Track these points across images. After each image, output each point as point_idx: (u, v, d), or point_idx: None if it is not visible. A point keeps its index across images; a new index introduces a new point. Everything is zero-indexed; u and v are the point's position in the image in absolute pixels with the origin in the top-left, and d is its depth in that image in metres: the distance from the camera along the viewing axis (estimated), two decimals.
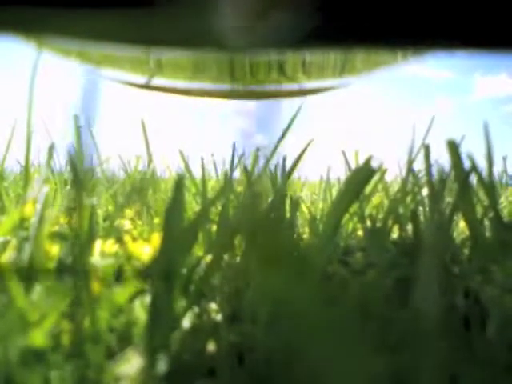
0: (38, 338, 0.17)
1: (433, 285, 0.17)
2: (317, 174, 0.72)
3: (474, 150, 0.33)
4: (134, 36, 0.23)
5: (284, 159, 0.40)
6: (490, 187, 0.32)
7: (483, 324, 0.21)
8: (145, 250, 0.29)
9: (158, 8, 0.20)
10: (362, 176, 0.31)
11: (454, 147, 0.29)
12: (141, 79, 0.36)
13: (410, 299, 0.17)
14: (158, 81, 0.37)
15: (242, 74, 0.34)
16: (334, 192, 0.54)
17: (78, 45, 0.25)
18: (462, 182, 0.30)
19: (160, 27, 0.22)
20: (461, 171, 0.29)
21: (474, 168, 0.30)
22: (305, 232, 0.42)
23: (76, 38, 0.24)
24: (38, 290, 0.20)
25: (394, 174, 0.63)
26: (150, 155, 0.45)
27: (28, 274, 0.21)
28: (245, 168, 0.39)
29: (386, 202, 0.45)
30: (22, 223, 0.33)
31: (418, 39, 0.22)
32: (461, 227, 0.41)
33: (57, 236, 0.27)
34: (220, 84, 0.37)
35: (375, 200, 0.46)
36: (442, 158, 0.34)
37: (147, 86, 0.37)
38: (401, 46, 0.24)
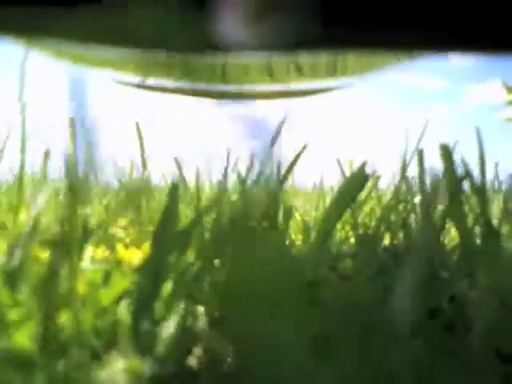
0: (22, 338, 0.17)
1: (412, 287, 0.17)
2: (310, 181, 0.72)
3: (467, 156, 0.33)
4: (126, 37, 0.23)
5: (278, 166, 0.40)
6: (482, 194, 0.32)
7: (467, 328, 0.21)
8: (136, 257, 0.29)
9: (151, 9, 0.21)
10: (356, 183, 0.31)
11: (446, 151, 0.29)
12: (133, 79, 0.37)
13: (389, 300, 0.17)
14: (150, 81, 0.37)
15: (235, 76, 0.34)
16: (328, 201, 0.54)
17: (69, 46, 0.26)
18: (453, 188, 0.30)
19: (152, 28, 0.22)
20: (453, 176, 0.29)
21: (467, 174, 0.30)
22: (298, 239, 0.43)
23: (67, 39, 0.24)
24: (24, 291, 0.20)
25: (387, 180, 0.63)
26: (144, 161, 0.45)
27: (15, 277, 0.21)
28: (238, 175, 0.39)
29: (378, 210, 0.45)
30: (15, 231, 0.33)
31: (412, 42, 0.22)
32: (453, 234, 0.42)
33: (48, 242, 0.27)
34: (212, 85, 0.37)
35: (367, 207, 0.46)
36: (435, 165, 0.34)
37: (140, 86, 0.38)
38: (395, 49, 0.24)
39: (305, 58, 0.32)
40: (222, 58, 0.31)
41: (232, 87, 0.35)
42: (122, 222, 0.43)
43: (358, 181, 0.31)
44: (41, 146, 0.41)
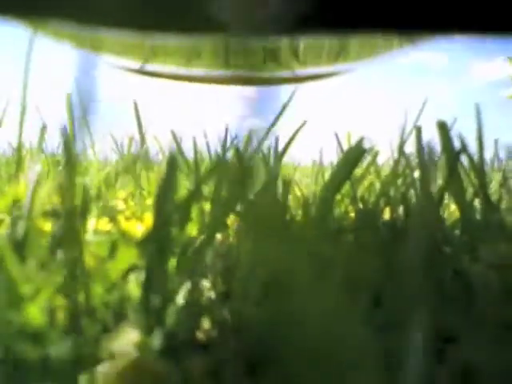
0: (34, 313, 0.17)
1: (414, 261, 0.17)
2: (310, 158, 0.72)
3: (469, 133, 0.33)
4: (130, 20, 0.23)
5: (277, 141, 0.40)
6: (480, 169, 0.32)
7: (470, 302, 0.21)
8: (138, 228, 0.29)
9: None
10: (354, 157, 0.31)
11: (444, 128, 0.29)
12: (136, 64, 0.36)
13: (397, 265, 0.17)
14: (152, 66, 0.37)
15: (238, 60, 0.34)
16: (327, 175, 0.55)
17: (72, 28, 0.25)
18: (451, 163, 0.30)
19: (156, 11, 0.22)
20: (450, 152, 0.29)
21: (464, 149, 0.31)
22: (298, 214, 0.43)
23: (71, 21, 0.23)
24: (32, 264, 0.20)
25: (386, 157, 0.63)
26: (142, 136, 0.45)
27: (22, 249, 0.21)
28: (237, 149, 0.39)
29: (377, 184, 0.46)
30: (15, 203, 0.33)
31: (416, 25, 0.22)
32: (452, 208, 0.42)
33: (50, 214, 0.27)
34: (215, 70, 0.37)
35: (366, 182, 0.46)
36: (434, 140, 0.34)
37: (142, 71, 0.37)
38: (398, 32, 0.24)
39: (306, 43, 0.32)
40: (226, 41, 0.31)
41: (235, 73, 0.35)
42: (122, 194, 0.43)
43: (355, 155, 0.31)
44: (39, 121, 0.41)
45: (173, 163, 0.23)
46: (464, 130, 0.35)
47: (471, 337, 0.18)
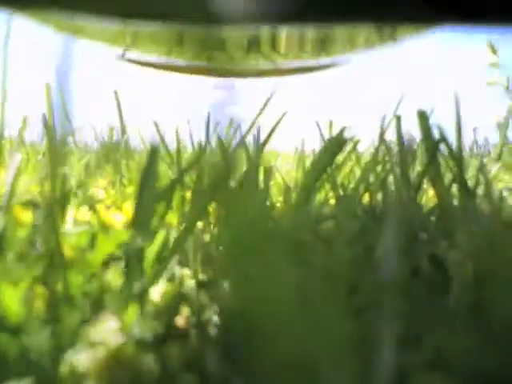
0: (13, 303, 0.17)
1: (393, 245, 0.17)
2: (292, 146, 0.73)
3: (448, 119, 0.34)
4: (115, 7, 0.23)
5: (258, 130, 0.40)
6: (458, 157, 0.33)
7: (446, 287, 0.22)
8: (117, 218, 0.29)
9: None
10: (335, 145, 0.32)
11: (423, 117, 0.29)
12: (118, 51, 0.36)
13: (372, 260, 0.18)
14: (134, 54, 0.37)
15: (220, 52, 0.34)
16: (308, 162, 0.55)
17: (56, 14, 0.25)
18: (430, 151, 0.30)
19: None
20: (429, 140, 0.29)
21: (443, 138, 0.31)
22: (279, 201, 0.43)
23: (55, 7, 0.23)
24: (10, 256, 0.20)
25: (368, 144, 0.64)
26: (123, 126, 0.45)
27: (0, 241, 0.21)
28: (219, 138, 0.39)
29: (357, 171, 0.46)
30: None
31: (400, 16, 0.22)
32: (430, 195, 0.43)
33: (29, 204, 0.27)
34: (196, 60, 0.37)
35: (347, 168, 0.47)
36: (414, 129, 0.34)
37: (123, 59, 0.37)
38: (391, 23, 0.24)
39: (289, 36, 0.32)
40: (215, 31, 0.31)
41: (221, 64, 0.35)
42: (102, 183, 0.42)
43: (336, 144, 0.32)
44: (20, 110, 0.40)
45: (154, 153, 0.23)
46: (446, 116, 0.35)
47: (446, 324, 0.19)
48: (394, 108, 0.43)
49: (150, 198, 0.21)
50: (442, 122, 0.32)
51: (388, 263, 0.17)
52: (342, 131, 0.32)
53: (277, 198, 0.44)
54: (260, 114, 0.34)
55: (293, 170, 0.62)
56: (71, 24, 0.30)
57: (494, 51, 0.95)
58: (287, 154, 0.76)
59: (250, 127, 0.36)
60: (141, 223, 0.21)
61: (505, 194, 0.43)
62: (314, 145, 0.63)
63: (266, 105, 0.35)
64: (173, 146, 0.46)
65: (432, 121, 0.31)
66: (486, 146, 0.70)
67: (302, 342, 0.15)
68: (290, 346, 0.15)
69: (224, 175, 0.24)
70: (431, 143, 0.30)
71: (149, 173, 0.22)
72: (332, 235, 0.32)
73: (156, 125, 0.44)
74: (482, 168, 0.35)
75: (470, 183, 0.44)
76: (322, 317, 0.15)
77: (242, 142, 0.38)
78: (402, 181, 0.32)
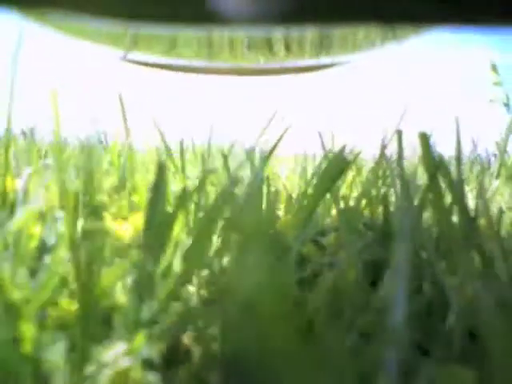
0: (26, 323, 0.18)
1: (403, 274, 0.18)
2: (292, 148, 0.73)
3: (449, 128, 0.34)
4: (118, 9, 0.23)
5: (264, 143, 0.40)
6: (458, 185, 0.33)
7: (445, 311, 0.22)
8: (125, 229, 0.30)
9: None
10: (336, 169, 0.32)
11: (424, 139, 0.30)
12: (120, 53, 0.36)
13: (381, 285, 0.18)
14: (136, 55, 0.37)
15: (221, 51, 0.34)
16: (310, 169, 0.55)
17: (57, 16, 0.25)
18: (430, 173, 0.31)
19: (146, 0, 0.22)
20: (430, 163, 0.30)
21: (443, 165, 0.31)
22: (280, 208, 0.44)
23: (56, 9, 0.23)
24: (22, 272, 0.21)
25: (371, 152, 0.64)
26: (127, 129, 0.45)
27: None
28: (224, 156, 0.39)
29: (358, 182, 0.47)
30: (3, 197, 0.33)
31: (400, 16, 0.22)
32: (429, 212, 0.43)
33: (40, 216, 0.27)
34: (200, 60, 0.37)
35: (348, 178, 0.47)
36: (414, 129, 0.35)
37: (126, 60, 0.37)
38: (392, 23, 0.24)
39: (295, 35, 0.32)
40: (213, 32, 0.31)
41: (224, 64, 0.35)
42: (107, 187, 0.43)
43: (337, 167, 0.32)
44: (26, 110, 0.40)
45: (162, 171, 0.24)
46: (445, 116, 0.35)
47: (442, 351, 0.19)
48: (397, 122, 0.44)
49: (159, 221, 0.22)
50: (442, 123, 0.33)
51: (397, 308, 0.17)
52: (341, 151, 0.32)
53: (278, 205, 0.45)
54: (263, 132, 0.35)
55: (293, 175, 0.62)
56: (73, 26, 0.30)
57: (496, 71, 0.95)
58: (286, 158, 0.77)
59: (256, 140, 0.36)
60: (151, 247, 0.21)
61: (504, 209, 0.44)
62: (314, 145, 0.64)
63: (269, 123, 0.36)
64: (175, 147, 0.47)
65: (432, 121, 0.31)
66: (487, 156, 0.70)
67: (305, 372, 0.15)
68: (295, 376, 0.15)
69: (230, 194, 0.25)
70: (432, 165, 0.30)
71: (157, 194, 0.22)
72: (333, 250, 0.33)
73: (161, 134, 0.44)
74: (480, 190, 0.35)
75: (471, 197, 0.45)
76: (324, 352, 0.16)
77: (246, 154, 0.38)
78: (401, 199, 0.33)
